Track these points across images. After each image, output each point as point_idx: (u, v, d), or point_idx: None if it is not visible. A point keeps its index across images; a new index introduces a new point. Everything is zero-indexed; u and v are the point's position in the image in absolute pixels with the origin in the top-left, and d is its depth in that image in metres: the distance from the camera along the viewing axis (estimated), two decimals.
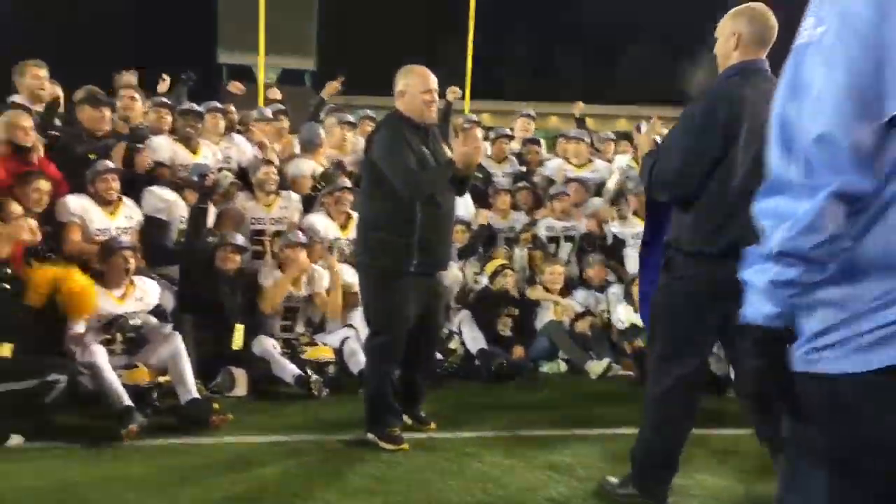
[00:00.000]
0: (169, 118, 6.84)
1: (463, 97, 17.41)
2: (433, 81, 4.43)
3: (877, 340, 1.42)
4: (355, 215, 6.34)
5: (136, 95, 6.76)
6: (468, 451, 4.34)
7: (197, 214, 5.44)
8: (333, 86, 7.92)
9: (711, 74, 3.48)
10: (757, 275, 1.52)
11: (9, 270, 4.30)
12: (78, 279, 4.48)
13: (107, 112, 5.87)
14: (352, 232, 6.36)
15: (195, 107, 6.44)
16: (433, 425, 4.69)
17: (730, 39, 3.31)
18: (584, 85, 48.07)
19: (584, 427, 4.87)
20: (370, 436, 4.40)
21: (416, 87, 4.35)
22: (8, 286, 4.10)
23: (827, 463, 1.50)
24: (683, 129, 3.33)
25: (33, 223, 4.54)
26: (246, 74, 33.84)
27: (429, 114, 4.41)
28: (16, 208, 4.43)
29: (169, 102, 6.88)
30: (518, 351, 6.35)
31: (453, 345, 6.16)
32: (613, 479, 3.73)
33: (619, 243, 7.05)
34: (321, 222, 6.40)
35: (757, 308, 1.53)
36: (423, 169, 4.26)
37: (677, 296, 3.40)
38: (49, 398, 4.25)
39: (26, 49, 7.05)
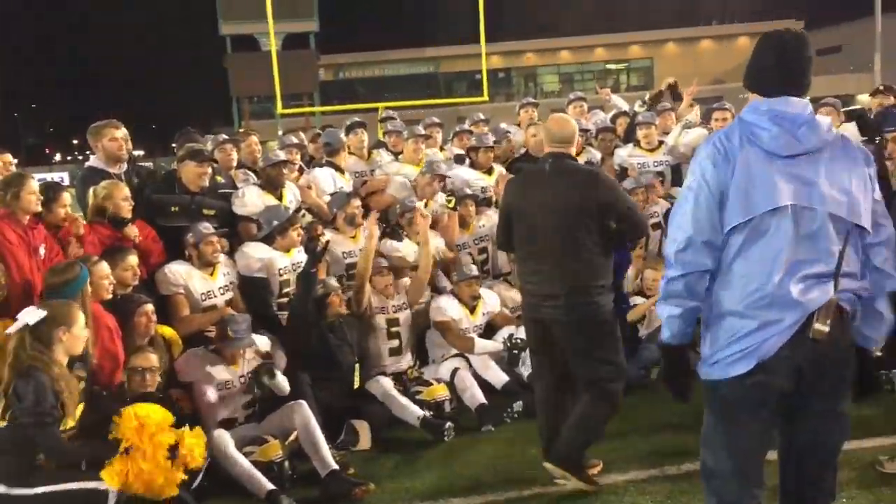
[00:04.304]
0: (235, 154, 6.68)
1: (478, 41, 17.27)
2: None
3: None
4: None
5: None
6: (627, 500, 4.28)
7: (307, 279, 5.30)
8: None
9: None
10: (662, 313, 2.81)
11: None
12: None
13: (208, 168, 5.72)
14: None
15: (281, 156, 6.21)
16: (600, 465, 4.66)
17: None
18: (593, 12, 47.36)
19: None
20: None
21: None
22: None
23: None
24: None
25: None
26: (250, 44, 33.53)
27: None
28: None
29: (236, 138, 6.70)
30: None
31: None
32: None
33: None
34: (401, 245, 6.40)
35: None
36: None
37: None
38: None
39: None
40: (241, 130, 8.97)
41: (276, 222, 5.70)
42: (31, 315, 3.85)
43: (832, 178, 2.65)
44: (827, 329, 2.60)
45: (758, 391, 2.68)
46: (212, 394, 4.88)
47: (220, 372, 4.97)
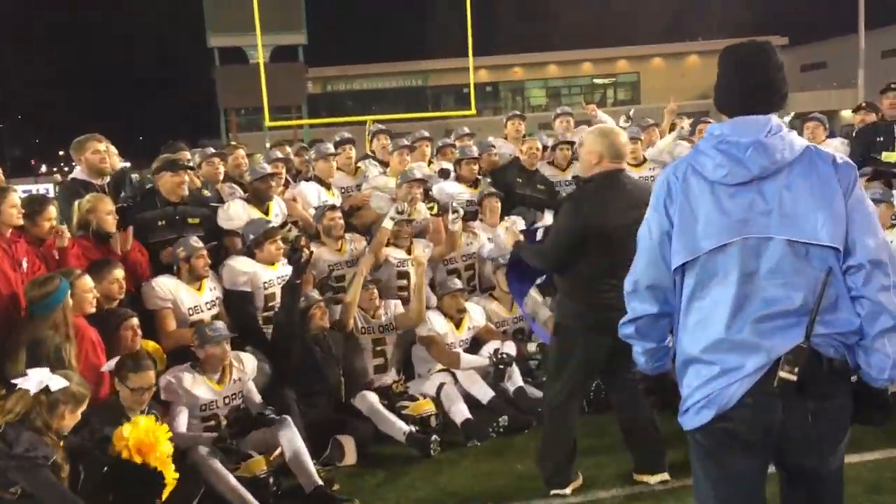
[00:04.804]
0: (222, 168, 6.68)
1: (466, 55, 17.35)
2: None
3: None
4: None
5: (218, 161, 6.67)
6: None
7: (292, 290, 5.27)
8: None
9: None
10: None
11: None
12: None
13: (185, 177, 5.71)
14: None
15: (268, 169, 6.21)
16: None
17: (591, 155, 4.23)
18: (581, 27, 47.72)
19: None
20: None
21: None
22: None
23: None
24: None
25: None
26: (238, 56, 33.51)
27: None
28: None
29: (223, 151, 6.70)
30: None
31: None
32: None
33: None
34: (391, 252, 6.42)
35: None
36: None
37: None
38: None
39: None
40: (232, 143, 8.99)
41: (252, 236, 5.70)
42: (54, 381, 3.63)
43: (792, 200, 2.36)
44: (794, 378, 2.27)
45: (727, 438, 2.43)
46: (182, 420, 4.77)
47: (205, 392, 4.91)
